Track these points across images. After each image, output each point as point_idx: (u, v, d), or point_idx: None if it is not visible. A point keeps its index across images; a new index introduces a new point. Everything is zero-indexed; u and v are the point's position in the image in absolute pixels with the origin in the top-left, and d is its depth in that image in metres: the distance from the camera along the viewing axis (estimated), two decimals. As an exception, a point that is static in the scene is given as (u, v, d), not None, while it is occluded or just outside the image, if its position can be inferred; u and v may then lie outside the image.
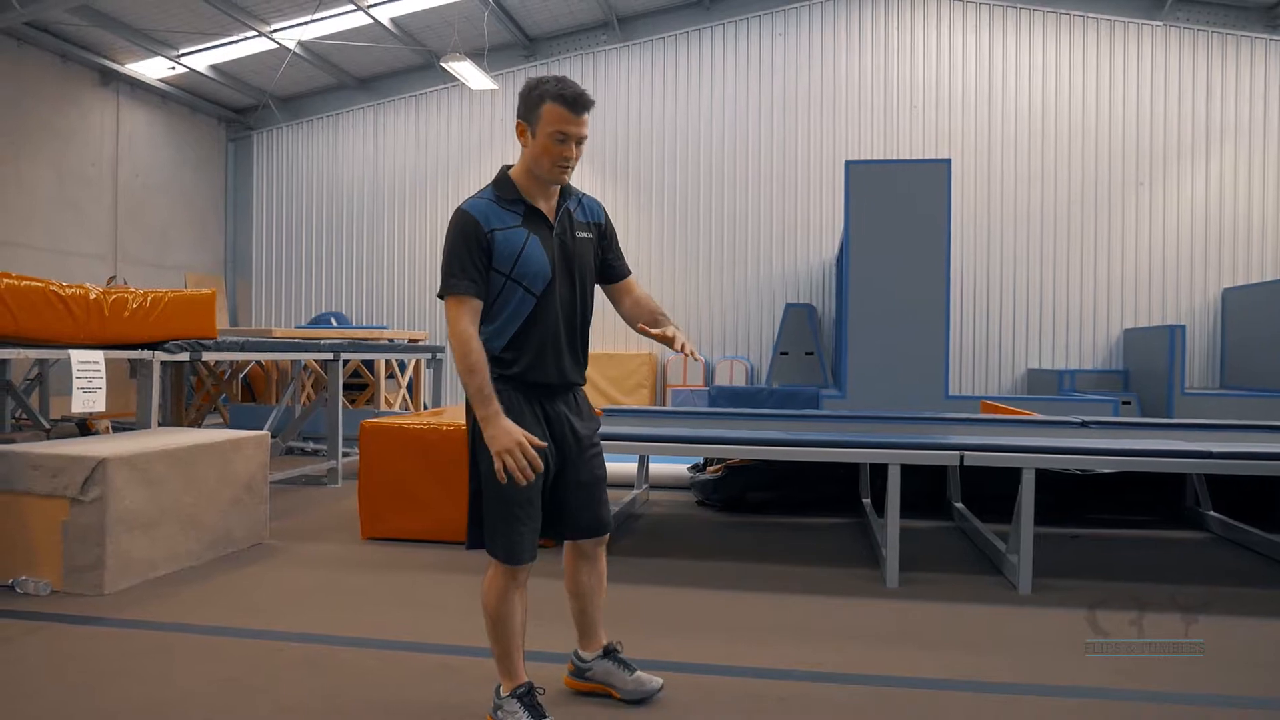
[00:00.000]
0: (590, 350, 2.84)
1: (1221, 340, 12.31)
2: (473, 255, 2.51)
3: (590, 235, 2.72)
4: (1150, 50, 12.61)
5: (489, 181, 2.67)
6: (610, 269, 2.82)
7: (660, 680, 2.95)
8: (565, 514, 2.74)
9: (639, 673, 2.92)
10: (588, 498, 2.76)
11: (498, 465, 2.44)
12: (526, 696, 2.65)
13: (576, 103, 2.49)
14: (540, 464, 2.48)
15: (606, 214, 2.84)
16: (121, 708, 2.87)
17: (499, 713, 2.67)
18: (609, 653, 2.94)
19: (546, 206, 2.63)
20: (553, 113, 2.48)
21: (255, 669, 3.21)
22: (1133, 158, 12.63)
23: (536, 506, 2.63)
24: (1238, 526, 5.39)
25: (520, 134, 2.57)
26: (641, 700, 2.89)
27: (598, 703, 2.93)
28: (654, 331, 2.69)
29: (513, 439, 2.43)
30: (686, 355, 2.64)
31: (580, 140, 2.54)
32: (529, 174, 2.59)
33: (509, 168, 2.67)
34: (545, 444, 2.56)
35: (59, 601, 3.99)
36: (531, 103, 2.52)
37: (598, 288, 2.86)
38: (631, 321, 2.82)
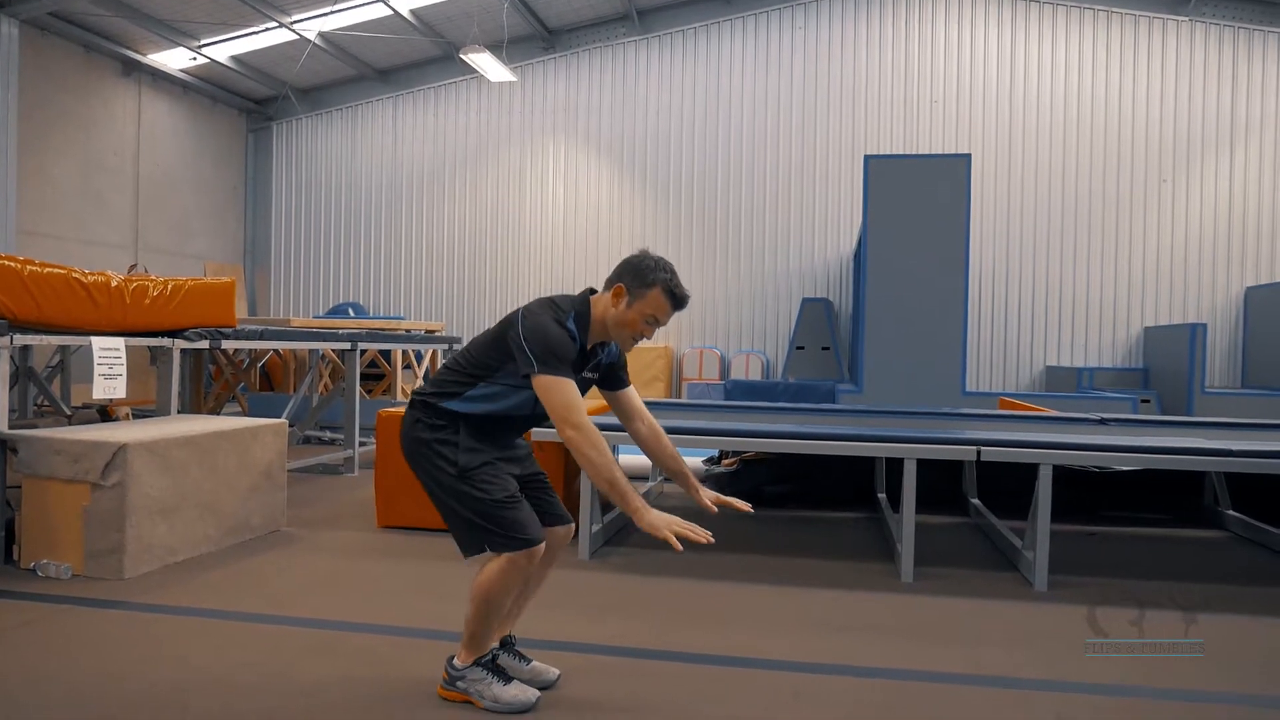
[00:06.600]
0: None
1: (1243, 339, 12.19)
2: (566, 355, 2.66)
3: (595, 375, 2.88)
4: (1175, 45, 12.48)
5: (575, 302, 2.77)
6: (611, 380, 2.93)
7: (557, 671, 2.99)
8: (540, 506, 2.89)
9: (534, 663, 2.98)
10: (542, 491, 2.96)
11: (670, 539, 2.52)
12: (492, 663, 2.78)
13: (681, 303, 2.76)
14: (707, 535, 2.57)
15: (620, 352, 2.95)
16: (141, 690, 2.90)
17: (460, 683, 2.78)
18: (505, 644, 2.97)
19: (590, 347, 2.80)
20: (658, 300, 2.71)
21: (272, 653, 3.24)
22: (1155, 154, 12.51)
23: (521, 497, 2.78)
24: (1257, 526, 5.35)
25: (617, 294, 2.72)
26: (542, 689, 2.91)
27: (615, 692, 2.95)
28: (705, 500, 2.82)
29: (669, 518, 2.56)
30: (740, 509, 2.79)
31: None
32: (603, 324, 2.76)
33: (592, 293, 2.80)
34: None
35: (80, 585, 4.03)
36: (644, 280, 2.71)
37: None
38: (652, 457, 2.97)
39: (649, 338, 2.79)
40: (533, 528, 2.70)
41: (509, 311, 2.82)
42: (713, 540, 2.51)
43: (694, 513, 2.79)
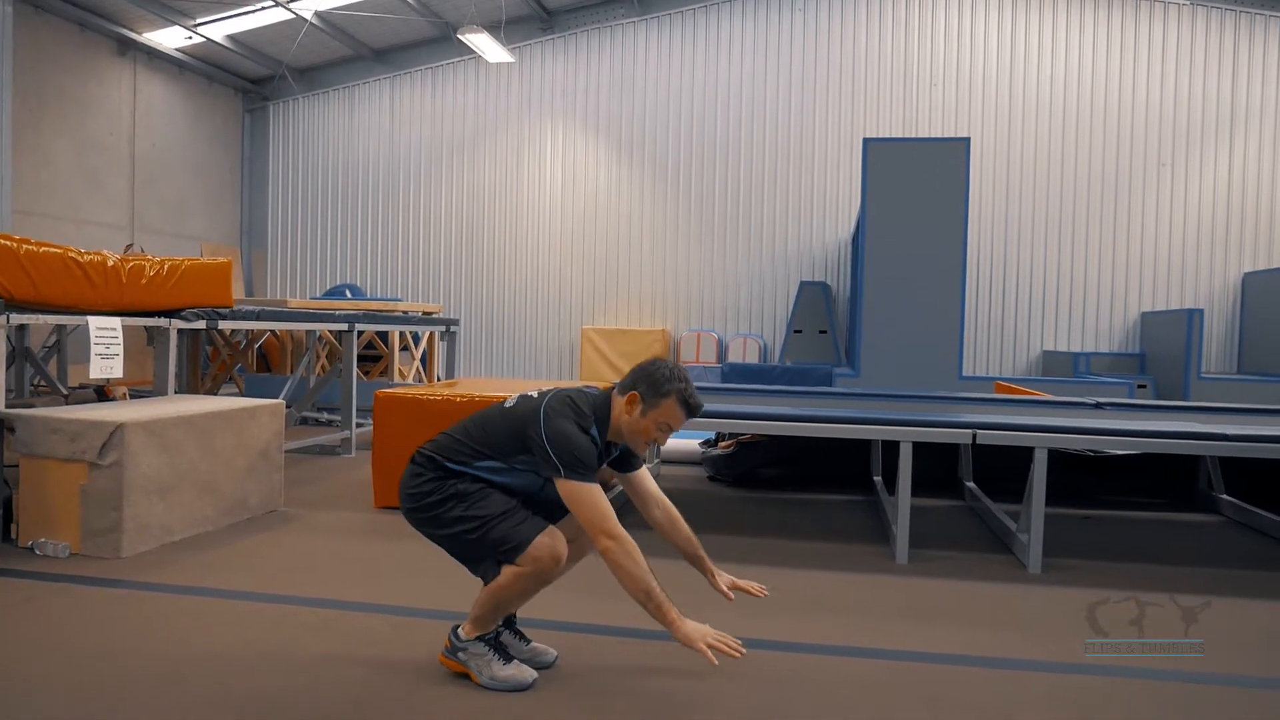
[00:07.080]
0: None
1: (1240, 325, 12.20)
2: (591, 462, 2.72)
3: (604, 465, 2.92)
4: (1176, 29, 12.42)
5: (597, 406, 2.81)
6: (623, 464, 2.98)
7: (555, 652, 3.03)
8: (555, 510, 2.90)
9: (534, 644, 3.02)
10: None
11: (704, 653, 2.60)
12: (495, 640, 2.83)
13: (694, 412, 2.78)
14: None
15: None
16: (139, 668, 2.91)
17: (461, 654, 2.82)
18: (507, 623, 3.00)
19: (605, 445, 2.86)
20: (672, 410, 2.75)
21: (270, 633, 3.25)
22: (1155, 139, 12.48)
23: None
24: (1250, 510, 5.37)
25: (631, 402, 2.76)
26: (540, 669, 2.94)
27: (611, 672, 2.97)
28: (721, 585, 2.94)
29: (704, 630, 2.67)
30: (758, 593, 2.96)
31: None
32: (618, 427, 2.81)
33: (613, 390, 2.84)
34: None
35: (77, 564, 4.04)
36: (658, 390, 2.75)
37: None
38: (668, 540, 2.99)
39: (662, 444, 2.83)
40: (534, 522, 2.73)
41: (529, 399, 2.80)
42: (745, 652, 2.62)
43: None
